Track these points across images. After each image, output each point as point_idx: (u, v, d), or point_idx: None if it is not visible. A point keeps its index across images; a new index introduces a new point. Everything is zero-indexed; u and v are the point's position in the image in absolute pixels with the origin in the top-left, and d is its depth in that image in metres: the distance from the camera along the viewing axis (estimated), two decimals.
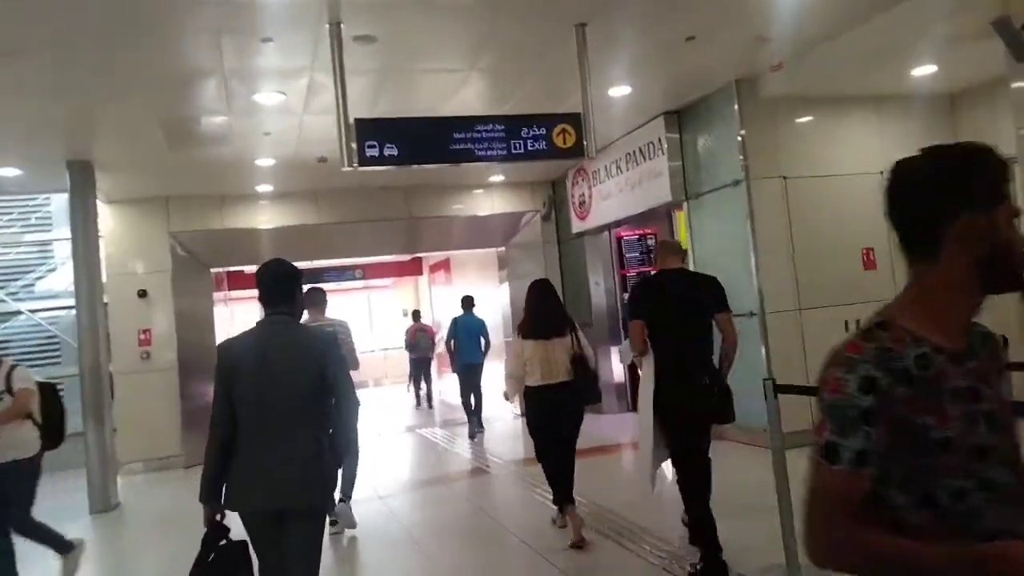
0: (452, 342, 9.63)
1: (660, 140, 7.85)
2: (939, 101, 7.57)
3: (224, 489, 2.89)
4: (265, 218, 9.95)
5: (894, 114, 7.45)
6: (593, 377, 4.91)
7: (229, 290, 16.56)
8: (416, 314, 14.39)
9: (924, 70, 6.68)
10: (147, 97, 5.81)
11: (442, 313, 16.05)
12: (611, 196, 9.06)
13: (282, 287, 3.02)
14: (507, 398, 5.30)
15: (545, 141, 5.05)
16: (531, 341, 4.84)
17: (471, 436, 9.61)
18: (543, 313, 4.92)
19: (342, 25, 4.72)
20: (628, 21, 5.24)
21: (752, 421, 7.03)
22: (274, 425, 2.84)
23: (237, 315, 19.47)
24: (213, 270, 10.96)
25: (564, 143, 5.10)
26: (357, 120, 4.73)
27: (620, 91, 6.78)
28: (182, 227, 9.60)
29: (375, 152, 4.73)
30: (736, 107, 6.90)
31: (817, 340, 6.90)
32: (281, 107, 6.26)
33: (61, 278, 10.59)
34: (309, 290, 4.94)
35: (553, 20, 5.05)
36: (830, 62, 6.31)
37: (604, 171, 9.14)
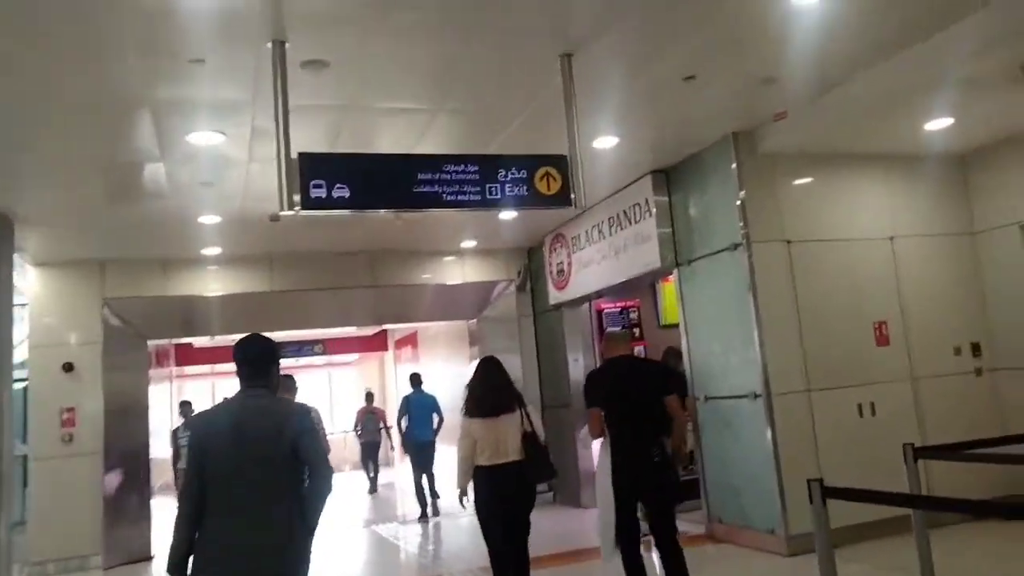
0: (403, 420, 9.52)
1: (647, 201, 7.19)
2: (950, 161, 7.02)
3: (192, 562, 2.84)
4: (212, 285, 9.04)
5: (903, 175, 6.89)
6: (544, 454, 4.82)
7: (178, 365, 15.47)
8: (369, 396, 13.91)
9: (939, 123, 6.12)
10: (67, 133, 5.01)
11: (404, 391, 15.13)
12: (592, 264, 8.35)
13: (259, 363, 3.05)
14: (460, 493, 4.90)
15: (526, 186, 4.31)
16: (478, 420, 4.76)
17: (422, 519, 9.33)
18: (489, 390, 4.87)
19: (287, 46, 4.01)
20: (621, 52, 4.59)
21: (756, 522, 6.18)
22: (248, 499, 2.83)
23: (187, 394, 18.40)
24: (152, 342, 9.93)
25: (548, 189, 4.36)
26: (301, 154, 3.96)
27: (606, 143, 6.13)
28: (118, 293, 8.66)
29: (321, 193, 3.94)
30: (734, 164, 6.27)
31: (828, 426, 6.13)
32: (222, 152, 5.48)
33: None
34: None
35: (534, 48, 4.39)
36: (836, 113, 5.73)
37: (585, 236, 8.45)
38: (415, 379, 10.02)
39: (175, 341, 14.08)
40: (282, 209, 3.87)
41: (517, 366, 9.70)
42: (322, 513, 2.95)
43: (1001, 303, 6.78)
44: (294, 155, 3.94)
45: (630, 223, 7.52)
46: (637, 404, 4.60)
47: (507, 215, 8.15)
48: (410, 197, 4.11)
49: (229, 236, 8.05)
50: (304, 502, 2.91)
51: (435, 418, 9.51)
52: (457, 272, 9.91)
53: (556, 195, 4.37)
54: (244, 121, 4.96)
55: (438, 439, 9.73)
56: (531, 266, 10.05)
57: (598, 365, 5.59)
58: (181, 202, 6.71)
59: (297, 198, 3.91)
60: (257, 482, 2.83)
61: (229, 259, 8.96)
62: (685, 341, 6.95)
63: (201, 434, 2.94)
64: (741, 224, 6.19)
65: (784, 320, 6.14)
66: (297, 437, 2.88)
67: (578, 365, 9.12)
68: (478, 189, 4.21)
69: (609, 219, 7.89)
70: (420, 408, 9.55)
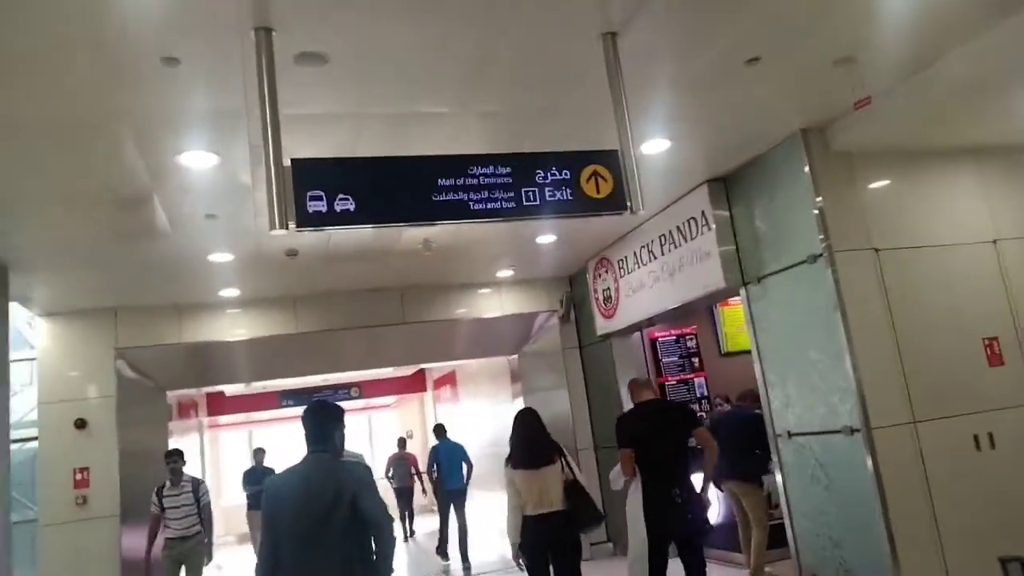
0: (434, 470, 9.65)
1: (704, 214, 6.36)
2: None
3: None
4: (233, 329, 8.40)
5: (1000, 168, 5.96)
6: (589, 502, 4.98)
7: (210, 415, 14.91)
8: (401, 442, 13.54)
9: None
10: (38, 166, 4.38)
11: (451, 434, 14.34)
12: (643, 288, 7.51)
13: (322, 427, 3.33)
14: (513, 546, 5.00)
15: (570, 189, 3.53)
16: (520, 471, 4.95)
17: (440, 553, 9.60)
18: (528, 443, 5.04)
19: (274, 34, 3.32)
20: (673, 29, 3.83)
21: None
22: (316, 558, 3.07)
23: (223, 446, 17.85)
24: (174, 393, 9.32)
25: (597, 191, 3.57)
26: (295, 161, 3.24)
27: (656, 147, 5.34)
28: (132, 342, 8.06)
29: (321, 207, 3.21)
30: (807, 166, 5.42)
31: (941, 463, 5.17)
32: (219, 176, 4.82)
33: None
34: None
35: (575, 28, 3.65)
36: (923, 100, 4.87)
37: (633, 258, 7.63)
38: (439, 430, 10.18)
39: (205, 390, 13.58)
40: (273, 227, 3.15)
41: (565, 403, 8.93)
42: (392, 566, 3.23)
43: None
44: (287, 162, 3.22)
45: (685, 240, 6.69)
46: (662, 446, 4.90)
47: (545, 238, 7.42)
48: (430, 208, 3.35)
49: (246, 276, 7.41)
50: (373, 560, 3.17)
51: (464, 466, 9.55)
52: (494, 305, 9.18)
53: (607, 199, 3.58)
54: (238, 137, 4.28)
55: (473, 486, 9.61)
56: (574, 295, 9.26)
57: (625, 410, 5.71)
58: (187, 239, 6.07)
59: (292, 214, 3.18)
60: (323, 541, 3.08)
61: (249, 301, 8.34)
62: (759, 369, 6.05)
63: (271, 498, 3.20)
64: (820, 233, 5.33)
65: (879, 339, 5.23)
66: (357, 497, 3.13)
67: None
68: (512, 195, 3.44)
69: (661, 237, 7.07)
70: (449, 457, 9.62)
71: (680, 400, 8.51)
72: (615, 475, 5.10)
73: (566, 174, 3.54)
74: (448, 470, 9.49)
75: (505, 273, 8.75)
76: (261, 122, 3.19)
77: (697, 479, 5.04)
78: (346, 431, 3.45)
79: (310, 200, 3.21)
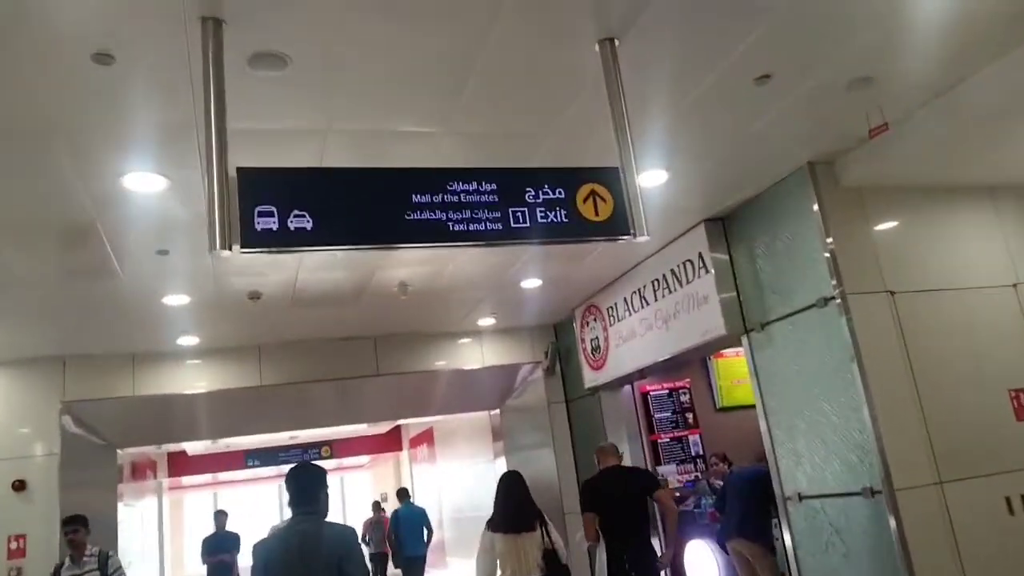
0: (393, 535, 9.64)
1: (702, 256, 5.95)
2: None
3: None
4: (192, 381, 7.81)
5: (1016, 209, 5.62)
6: (565, 572, 4.97)
7: (172, 475, 14.10)
8: (376, 506, 13.05)
9: None
10: None
11: (424, 497, 13.65)
12: (635, 336, 7.04)
13: (309, 490, 3.39)
14: None
15: (564, 210, 3.07)
16: (500, 535, 4.91)
17: None
18: (513, 507, 5.03)
19: (225, 25, 2.88)
20: (678, 37, 3.44)
21: None
22: None
23: (186, 509, 16.92)
24: (128, 451, 8.63)
25: (595, 214, 3.11)
26: (242, 171, 2.76)
27: (653, 179, 4.93)
28: (81, 395, 7.42)
29: (271, 224, 2.72)
30: (815, 204, 5.04)
31: (971, 528, 4.66)
32: (168, 203, 4.32)
33: None
34: None
35: (570, 36, 3.25)
36: (943, 128, 4.52)
37: (624, 304, 7.18)
38: (402, 493, 10.32)
39: (166, 448, 12.83)
40: (213, 248, 2.65)
41: (550, 462, 8.36)
42: None
43: None
44: (232, 171, 2.74)
45: (681, 284, 6.26)
46: (620, 511, 5.27)
47: (530, 282, 6.97)
48: (401, 228, 2.87)
49: (205, 322, 6.86)
50: None
51: (424, 532, 9.59)
52: (475, 356, 8.66)
53: (607, 222, 3.12)
54: (189, 157, 3.79)
55: (452, 553, 9.59)
56: (560, 345, 8.78)
57: (591, 475, 5.79)
58: (137, 279, 5.55)
59: (237, 232, 2.69)
60: None
61: (209, 350, 7.78)
62: (764, 424, 5.55)
63: (261, 562, 3.24)
64: (831, 275, 4.92)
65: (898, 390, 4.77)
66: (343, 560, 3.19)
67: (624, 458, 7.68)
68: (498, 215, 2.97)
69: (654, 281, 6.63)
70: (409, 522, 9.64)
71: (675, 458, 8.01)
72: (580, 539, 5.43)
73: (560, 193, 3.08)
74: (408, 535, 9.48)
75: (486, 321, 8.26)
76: (205, 123, 2.71)
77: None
78: (330, 492, 3.52)
79: (259, 216, 2.72)
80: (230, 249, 2.67)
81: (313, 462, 3.68)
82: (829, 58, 3.82)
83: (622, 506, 5.28)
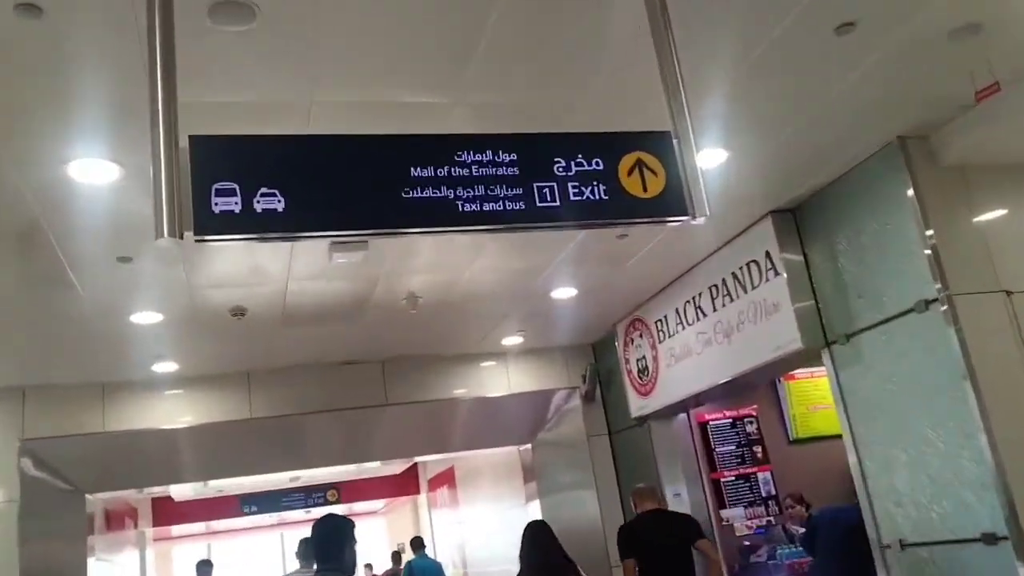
0: None
1: (770, 256, 5.62)
2: None
3: None
4: (171, 415, 7.63)
5: None
6: None
7: (157, 525, 13.94)
8: (395, 556, 13.34)
9: None
10: None
11: (444, 547, 13.36)
12: (690, 354, 6.71)
13: (332, 543, 3.51)
14: None
15: (604, 184, 2.74)
16: None
17: None
18: (538, 556, 5.28)
19: None
20: None
21: None
22: None
23: (176, 562, 16.76)
24: (97, 497, 8.43)
25: (643, 189, 2.78)
26: (195, 139, 2.47)
27: (710, 159, 4.60)
28: (43, 432, 7.24)
29: (233, 205, 2.43)
30: (910, 188, 4.69)
31: None
32: (123, 197, 4.08)
33: None
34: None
35: None
36: None
37: (676, 316, 6.85)
38: (417, 543, 10.81)
39: (149, 493, 12.66)
40: (160, 235, 2.36)
41: (593, 506, 8.05)
42: None
43: None
44: (184, 142, 2.45)
45: (745, 290, 5.93)
46: (663, 558, 5.43)
47: (562, 292, 6.66)
48: (398, 210, 2.55)
49: (183, 344, 6.66)
50: None
51: None
52: (500, 381, 8.45)
53: (658, 199, 2.77)
54: (146, 137, 3.53)
55: None
56: (600, 367, 8.54)
57: (628, 520, 6.22)
58: (98, 292, 5.33)
59: (189, 215, 2.40)
60: None
61: (190, 378, 7.60)
62: (854, 456, 5.21)
63: None
64: (933, 274, 4.57)
65: (1022, 410, 4.39)
66: None
67: (680, 500, 7.34)
68: (520, 192, 2.64)
69: (712, 288, 6.31)
70: (423, 574, 10.17)
71: (742, 500, 7.66)
72: None
73: (598, 163, 2.75)
74: None
75: (512, 340, 8.00)
76: (149, 78, 2.43)
77: None
78: (357, 547, 3.59)
79: (217, 196, 2.43)
80: (181, 237, 2.38)
81: (342, 515, 3.76)
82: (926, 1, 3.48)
83: (664, 554, 5.43)
